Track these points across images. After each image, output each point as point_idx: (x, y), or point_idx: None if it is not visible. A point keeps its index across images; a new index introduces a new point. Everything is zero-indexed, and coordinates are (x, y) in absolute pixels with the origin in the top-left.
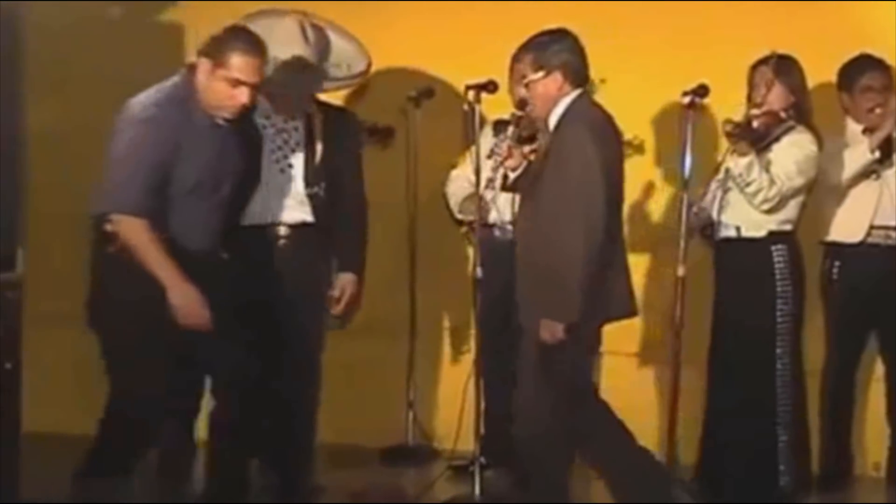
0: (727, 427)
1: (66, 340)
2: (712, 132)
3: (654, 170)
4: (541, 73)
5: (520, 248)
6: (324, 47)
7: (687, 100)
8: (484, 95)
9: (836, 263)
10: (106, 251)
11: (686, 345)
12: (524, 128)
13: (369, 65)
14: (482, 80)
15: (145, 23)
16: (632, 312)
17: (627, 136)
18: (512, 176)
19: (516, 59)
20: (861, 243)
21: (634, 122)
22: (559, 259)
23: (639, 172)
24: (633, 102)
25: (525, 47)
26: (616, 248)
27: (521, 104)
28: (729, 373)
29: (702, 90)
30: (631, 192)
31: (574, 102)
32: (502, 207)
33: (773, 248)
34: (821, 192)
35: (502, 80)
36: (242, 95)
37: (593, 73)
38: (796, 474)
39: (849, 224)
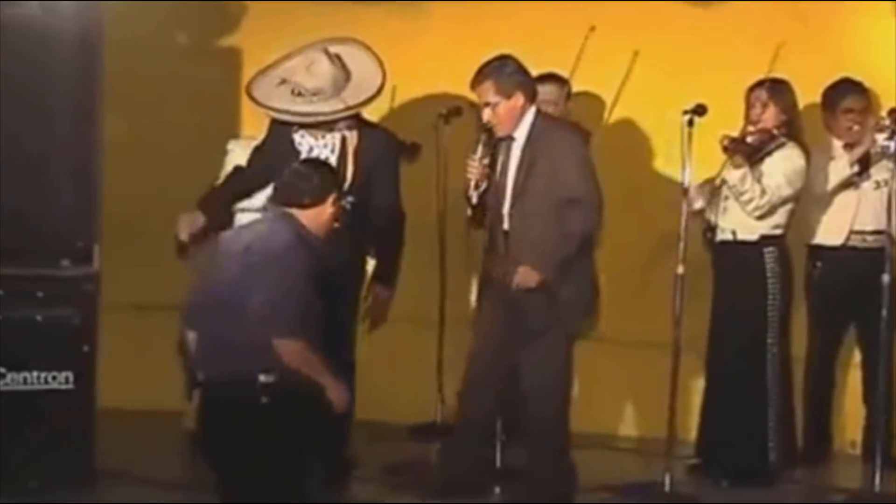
0: (723, 409)
1: (140, 326)
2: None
3: (659, 179)
4: (503, 96)
5: (513, 239)
6: (337, 77)
7: (686, 118)
8: None
9: (819, 263)
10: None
11: (686, 335)
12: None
13: (382, 85)
14: None
15: (207, 46)
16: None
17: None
18: (476, 194)
19: (472, 87)
20: (841, 246)
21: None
22: (557, 236)
23: (645, 181)
24: (641, 117)
25: (480, 75)
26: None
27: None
28: (725, 361)
29: (700, 109)
30: (638, 199)
31: (537, 117)
32: None
33: (765, 250)
34: (807, 200)
35: None
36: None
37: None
38: (783, 451)
39: (831, 229)
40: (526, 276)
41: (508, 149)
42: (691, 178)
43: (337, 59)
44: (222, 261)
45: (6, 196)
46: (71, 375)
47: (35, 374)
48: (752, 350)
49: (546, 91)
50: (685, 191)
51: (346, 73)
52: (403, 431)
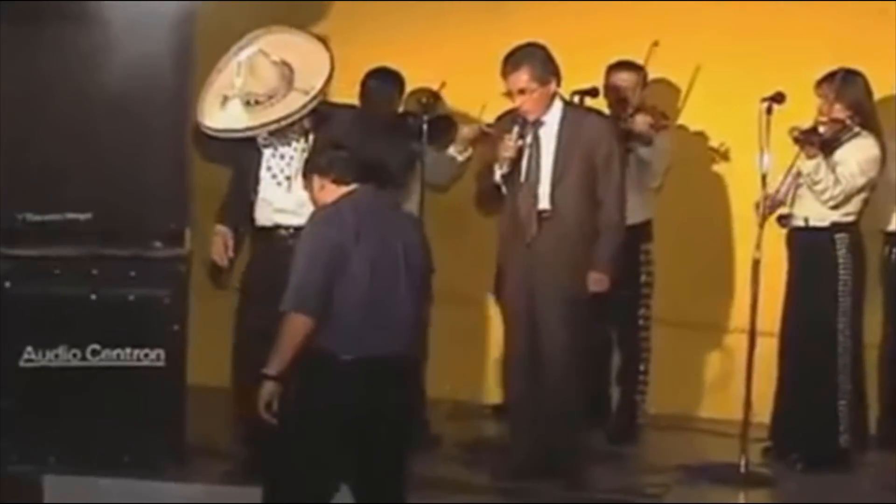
0: (794, 393)
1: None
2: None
3: (736, 167)
4: (538, 83)
5: (554, 219)
6: (284, 72)
7: (765, 105)
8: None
9: (895, 250)
10: None
11: (762, 319)
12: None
13: (330, 75)
14: (587, 86)
15: None
16: None
17: (714, 143)
18: (501, 173)
19: (504, 74)
20: None
21: (721, 124)
22: (599, 225)
23: (721, 167)
24: (720, 105)
25: (515, 64)
26: None
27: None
28: (796, 345)
29: (779, 97)
30: (713, 185)
31: (566, 103)
32: None
33: (836, 236)
34: (883, 187)
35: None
36: None
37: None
38: (854, 433)
39: None
40: (600, 283)
41: (536, 132)
42: (769, 165)
43: (271, 56)
44: (381, 240)
45: (103, 181)
46: (162, 353)
47: (128, 350)
48: (823, 335)
49: (622, 78)
50: (763, 177)
51: (288, 65)
52: (487, 410)
